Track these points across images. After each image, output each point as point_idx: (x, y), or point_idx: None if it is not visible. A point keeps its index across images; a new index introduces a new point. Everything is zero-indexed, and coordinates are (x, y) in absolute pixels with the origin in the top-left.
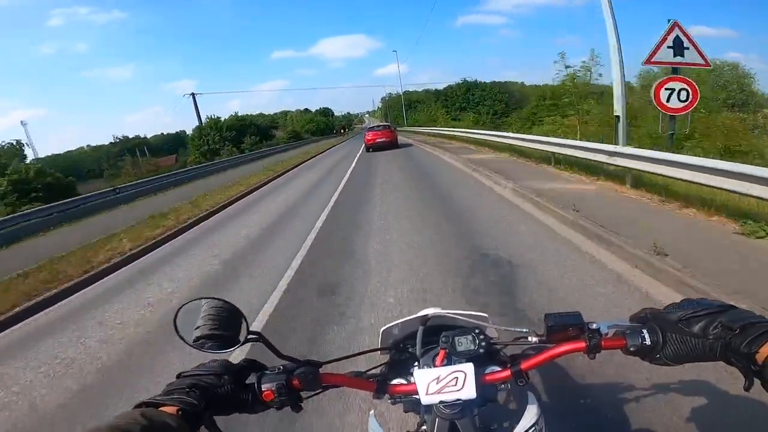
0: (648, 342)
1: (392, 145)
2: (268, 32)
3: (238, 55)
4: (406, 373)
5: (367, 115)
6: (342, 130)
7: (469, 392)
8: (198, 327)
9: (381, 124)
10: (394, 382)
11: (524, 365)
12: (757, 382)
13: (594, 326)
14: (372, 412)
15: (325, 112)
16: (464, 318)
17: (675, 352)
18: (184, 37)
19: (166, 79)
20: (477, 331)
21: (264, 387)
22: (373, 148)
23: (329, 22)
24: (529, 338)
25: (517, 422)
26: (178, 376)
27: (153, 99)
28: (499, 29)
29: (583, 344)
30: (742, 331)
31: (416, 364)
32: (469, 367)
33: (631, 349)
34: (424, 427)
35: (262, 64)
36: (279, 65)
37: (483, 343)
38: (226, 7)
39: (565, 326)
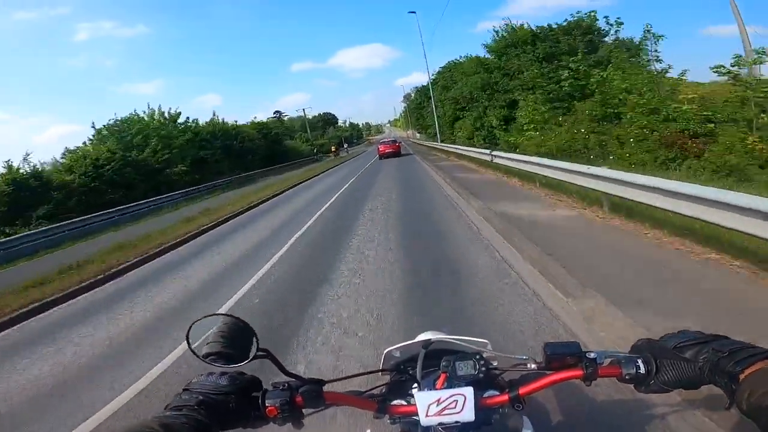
0: (642, 370)
1: (396, 154)
2: (286, 45)
3: (258, 68)
4: (406, 395)
5: (387, 125)
6: (335, 151)
7: (468, 415)
8: (209, 342)
9: (389, 139)
10: (395, 402)
11: (522, 390)
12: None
13: (591, 355)
14: (368, 431)
15: (328, 120)
16: (465, 344)
17: (667, 378)
18: (206, 52)
19: (191, 94)
20: (478, 356)
21: (268, 403)
22: (383, 156)
23: (347, 33)
24: (528, 365)
25: None
26: (185, 389)
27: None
28: None
29: (580, 372)
30: (730, 354)
31: (416, 386)
32: (469, 391)
33: (626, 377)
34: None
35: (281, 76)
36: (299, 77)
37: (483, 368)
38: (244, 22)
39: (563, 355)
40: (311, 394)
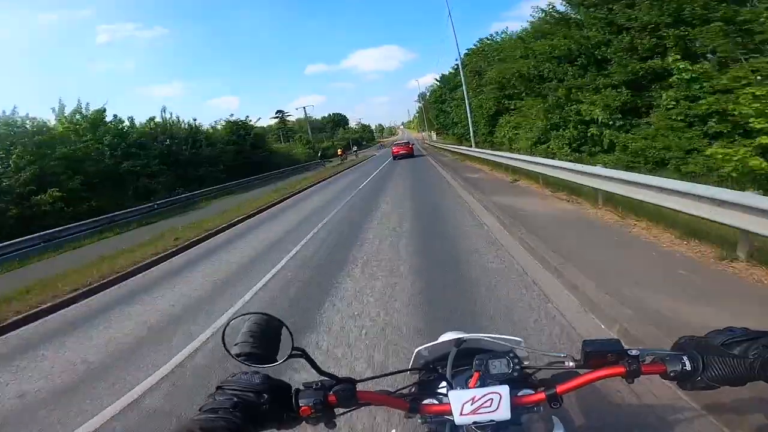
0: (688, 367)
1: (410, 155)
2: (301, 47)
3: (274, 70)
4: (434, 394)
5: (401, 126)
6: (341, 154)
7: (504, 414)
8: (243, 341)
9: (401, 141)
10: (426, 401)
11: (560, 388)
12: None
13: (633, 353)
14: (393, 431)
15: (338, 122)
16: (499, 342)
17: (715, 374)
18: (222, 55)
19: (208, 96)
20: (511, 354)
21: (302, 402)
22: (397, 157)
23: (360, 34)
24: (566, 363)
25: None
26: (219, 388)
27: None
28: None
29: (622, 369)
30: None
31: (443, 385)
32: (504, 389)
33: (671, 374)
34: None
35: (296, 78)
36: (313, 80)
37: (517, 367)
38: (260, 27)
39: (603, 352)
40: (345, 393)
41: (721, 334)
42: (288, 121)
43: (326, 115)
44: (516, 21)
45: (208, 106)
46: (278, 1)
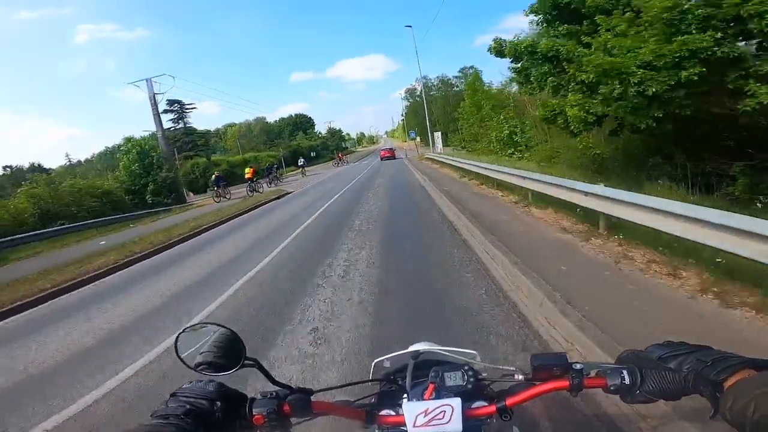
0: (627, 381)
1: (392, 157)
2: (285, 54)
3: (259, 77)
4: (395, 405)
5: (384, 135)
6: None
7: (455, 426)
8: (197, 350)
9: (386, 147)
10: (383, 413)
11: (509, 401)
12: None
13: (578, 366)
14: None
15: (300, 124)
16: (454, 355)
17: (652, 388)
18: (205, 59)
19: (190, 100)
20: (466, 367)
21: (255, 411)
22: (383, 159)
23: (347, 42)
24: (516, 376)
25: None
26: (172, 395)
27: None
28: None
29: (566, 383)
30: (714, 363)
31: (405, 396)
32: (456, 402)
33: (611, 388)
34: None
35: (282, 86)
36: (298, 87)
37: (471, 379)
38: (245, 34)
39: (550, 366)
40: (299, 403)
41: (660, 347)
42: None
43: (289, 116)
44: (503, 33)
45: (191, 112)
46: (264, 7)
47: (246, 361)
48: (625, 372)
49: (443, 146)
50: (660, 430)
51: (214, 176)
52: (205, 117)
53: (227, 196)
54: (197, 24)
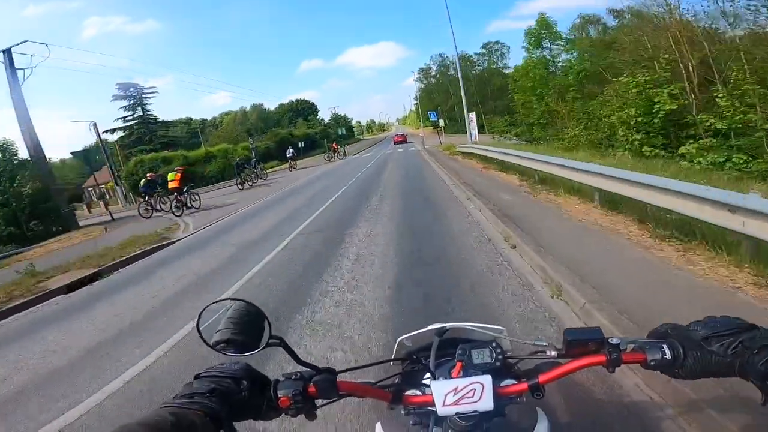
0: (668, 357)
1: (404, 141)
2: (295, 43)
3: (269, 65)
4: (418, 385)
5: (395, 123)
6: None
7: (487, 404)
8: (220, 329)
9: (399, 133)
10: (409, 392)
11: (542, 378)
12: None
13: (614, 341)
14: (379, 423)
15: (301, 110)
16: (481, 331)
17: (695, 368)
18: (218, 50)
19: (202, 92)
20: (494, 344)
21: (280, 393)
22: (396, 143)
23: (357, 29)
24: (548, 352)
25: None
26: (197, 377)
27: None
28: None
29: (603, 358)
30: (761, 351)
31: (428, 376)
32: (487, 379)
33: (651, 363)
34: None
35: (291, 75)
36: (308, 76)
37: (499, 356)
38: (252, 19)
39: (585, 341)
40: (325, 383)
41: (702, 325)
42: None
43: (291, 101)
44: (516, 21)
45: (202, 102)
46: None
47: (271, 340)
48: (665, 346)
49: (460, 133)
50: (692, 413)
51: (143, 181)
52: (218, 107)
53: (162, 207)
54: (205, 14)
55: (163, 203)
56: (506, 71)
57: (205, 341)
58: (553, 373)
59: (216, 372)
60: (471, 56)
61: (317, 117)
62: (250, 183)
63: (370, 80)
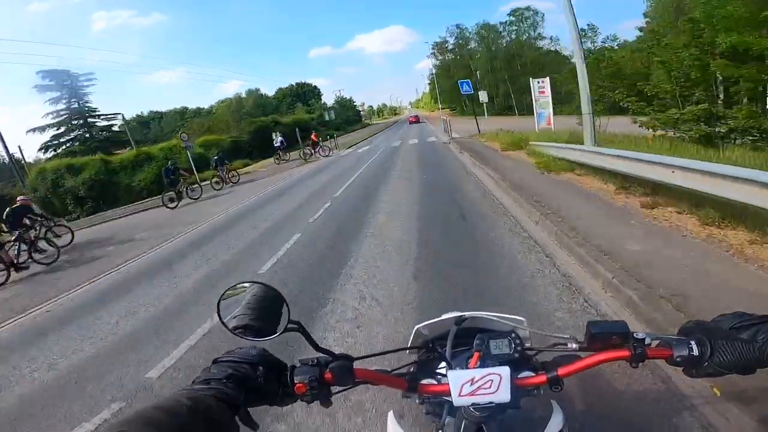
0: (695, 353)
1: (418, 121)
2: (304, 30)
3: (279, 53)
4: (433, 374)
5: (408, 106)
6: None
7: (503, 396)
8: (239, 314)
9: (413, 115)
10: (425, 381)
11: (561, 371)
12: None
13: (639, 335)
14: (391, 412)
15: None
16: (501, 320)
17: (723, 360)
18: (224, 39)
19: (214, 81)
20: (513, 334)
21: (297, 379)
22: (410, 123)
23: (365, 13)
24: (569, 344)
25: (541, 431)
26: (215, 362)
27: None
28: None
29: (627, 353)
30: None
31: (443, 365)
32: (505, 371)
33: (677, 359)
34: (443, 430)
35: (302, 64)
36: (318, 63)
37: (518, 347)
38: (257, 11)
39: (609, 334)
40: (341, 370)
41: (729, 317)
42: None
43: (290, 86)
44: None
45: (215, 91)
46: None
47: (290, 325)
48: (693, 342)
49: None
50: (715, 406)
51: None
52: (228, 95)
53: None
54: (214, 6)
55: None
56: (541, 43)
57: (224, 324)
58: (573, 366)
59: (233, 357)
60: (495, 26)
61: (320, 101)
62: (194, 195)
63: (381, 65)
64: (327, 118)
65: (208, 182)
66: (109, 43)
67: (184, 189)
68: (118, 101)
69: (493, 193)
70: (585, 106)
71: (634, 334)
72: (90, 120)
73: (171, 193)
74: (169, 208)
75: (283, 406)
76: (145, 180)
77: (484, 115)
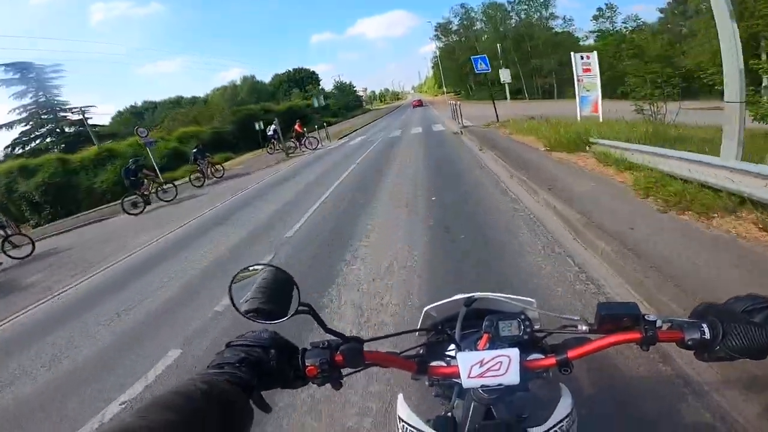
0: (707, 336)
1: (422, 105)
2: (304, 15)
3: (279, 40)
4: (442, 356)
5: (411, 90)
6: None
7: (513, 378)
8: (251, 296)
9: (416, 99)
10: (434, 363)
11: (571, 354)
12: None
13: (650, 318)
14: (401, 395)
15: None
16: (510, 302)
17: (735, 344)
18: (226, 30)
19: (215, 70)
20: (523, 316)
21: (308, 362)
22: (414, 107)
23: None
24: (579, 326)
25: (549, 413)
26: (228, 345)
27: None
28: None
29: (638, 335)
30: None
31: (452, 347)
32: (514, 352)
33: (689, 342)
34: (452, 412)
35: (303, 50)
36: (320, 49)
37: (528, 329)
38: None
39: (619, 316)
40: (352, 352)
41: (742, 300)
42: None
43: (286, 71)
44: None
45: (215, 80)
46: None
47: (300, 308)
48: (704, 325)
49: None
50: (725, 391)
51: None
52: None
53: None
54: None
55: None
56: (553, 23)
57: (236, 308)
58: (583, 348)
59: (246, 341)
60: (503, 5)
61: (319, 87)
62: (167, 197)
63: (382, 50)
64: (316, 104)
65: (188, 179)
66: (107, 35)
67: (154, 191)
68: (118, 94)
69: (606, 290)
70: (735, 88)
71: (645, 317)
72: (62, 114)
73: (134, 196)
74: (132, 214)
75: (295, 388)
76: (107, 181)
77: (506, 98)
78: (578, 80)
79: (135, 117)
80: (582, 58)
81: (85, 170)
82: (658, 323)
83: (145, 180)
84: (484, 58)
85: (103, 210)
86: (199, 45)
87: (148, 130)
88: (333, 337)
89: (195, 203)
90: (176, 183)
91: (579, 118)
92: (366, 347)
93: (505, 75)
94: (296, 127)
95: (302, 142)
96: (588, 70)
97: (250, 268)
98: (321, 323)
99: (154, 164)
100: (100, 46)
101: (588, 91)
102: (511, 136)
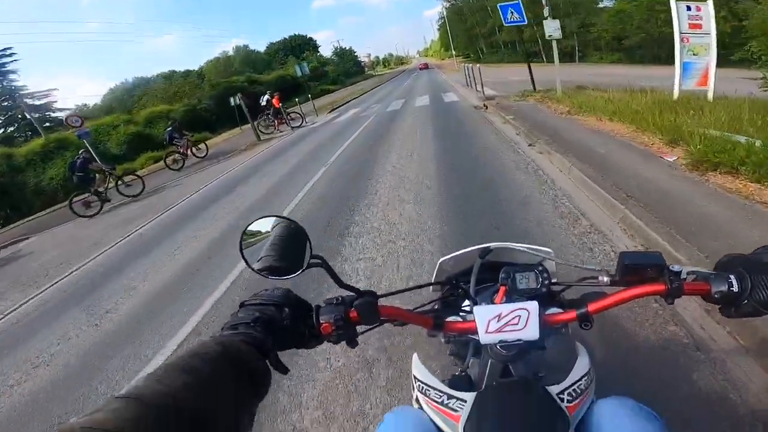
0: (735, 288)
1: (427, 68)
2: None
3: (280, 7)
4: (458, 311)
5: (416, 55)
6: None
7: (532, 333)
8: (264, 254)
9: (423, 63)
10: (450, 319)
11: (592, 307)
12: None
13: (675, 268)
14: (415, 354)
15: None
16: (527, 252)
17: (764, 296)
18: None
19: (215, 42)
20: (540, 268)
21: (323, 319)
22: (420, 69)
23: None
24: (599, 278)
25: (567, 372)
26: (241, 305)
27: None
28: None
29: (662, 287)
30: None
31: (468, 303)
32: (533, 306)
33: (716, 295)
34: (468, 371)
35: (305, 17)
36: (322, 14)
37: (546, 282)
38: None
39: (642, 266)
40: (366, 308)
41: None
42: None
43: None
44: None
45: (213, 52)
46: None
47: (312, 260)
48: (732, 278)
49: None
50: (752, 350)
51: None
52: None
53: None
54: None
55: None
56: None
57: (248, 265)
58: (605, 301)
59: (259, 299)
60: None
61: (317, 54)
62: (132, 192)
63: (386, 13)
64: (299, 72)
65: (163, 162)
66: (103, 12)
67: (113, 185)
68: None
69: None
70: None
71: (669, 267)
72: (27, 100)
73: (86, 194)
74: (86, 216)
75: (310, 348)
76: (57, 177)
77: (555, 60)
78: (682, 40)
79: (126, 94)
80: (689, 8)
81: (33, 165)
82: (683, 274)
83: (97, 175)
84: (518, 6)
85: (57, 212)
86: (203, 19)
87: (81, 119)
88: (347, 294)
89: (159, 199)
90: (140, 173)
91: (676, 94)
92: (380, 303)
93: (552, 28)
94: (274, 101)
95: (281, 119)
96: (697, 26)
97: (261, 220)
98: (334, 276)
99: (93, 156)
100: (93, 26)
101: (695, 55)
102: (574, 117)
